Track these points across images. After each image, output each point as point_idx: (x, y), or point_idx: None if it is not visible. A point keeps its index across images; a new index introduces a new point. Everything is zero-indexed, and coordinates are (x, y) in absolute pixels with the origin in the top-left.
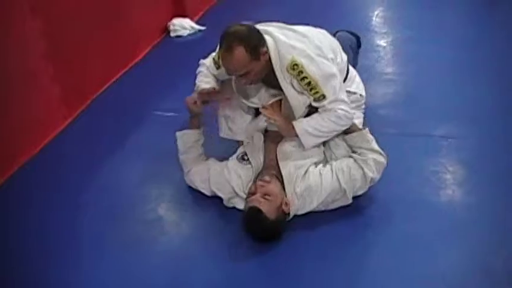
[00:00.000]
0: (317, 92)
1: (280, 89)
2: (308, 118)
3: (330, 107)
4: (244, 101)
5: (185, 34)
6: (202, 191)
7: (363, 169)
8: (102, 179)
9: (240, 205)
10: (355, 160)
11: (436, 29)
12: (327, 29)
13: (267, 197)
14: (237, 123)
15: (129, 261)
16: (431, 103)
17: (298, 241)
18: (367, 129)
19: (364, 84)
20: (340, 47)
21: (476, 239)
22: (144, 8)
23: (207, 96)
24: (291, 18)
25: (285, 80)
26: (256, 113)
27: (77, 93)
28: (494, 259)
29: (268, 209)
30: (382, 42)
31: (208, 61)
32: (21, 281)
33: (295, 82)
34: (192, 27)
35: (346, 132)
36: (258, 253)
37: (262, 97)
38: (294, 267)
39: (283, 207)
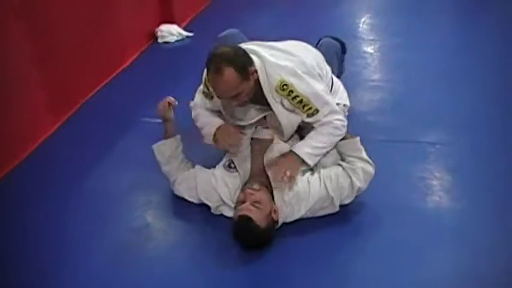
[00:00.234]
0: (310, 108)
1: (268, 105)
2: (306, 139)
3: (326, 120)
4: (232, 121)
5: (173, 40)
6: (190, 199)
7: (350, 178)
8: (90, 185)
9: (228, 212)
10: (343, 168)
11: (423, 36)
12: (314, 36)
13: (256, 205)
14: None
15: (116, 269)
16: (419, 110)
17: (287, 248)
18: (358, 138)
19: (351, 91)
20: (323, 60)
21: (463, 245)
22: (132, 14)
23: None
24: (278, 25)
25: (274, 99)
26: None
27: (64, 98)
28: (481, 264)
29: (258, 217)
30: (369, 49)
31: (197, 99)
32: None
33: (285, 102)
34: (180, 34)
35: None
36: (246, 260)
37: (249, 115)
38: (282, 275)
39: (273, 214)
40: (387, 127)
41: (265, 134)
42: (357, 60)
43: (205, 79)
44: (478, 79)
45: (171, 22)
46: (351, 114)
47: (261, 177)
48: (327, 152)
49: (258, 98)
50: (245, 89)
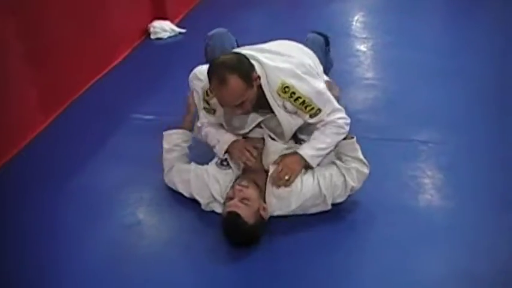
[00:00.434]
0: (312, 108)
1: (270, 110)
2: (311, 141)
3: (329, 119)
4: (231, 131)
5: (165, 36)
6: (180, 191)
7: (344, 177)
8: (82, 181)
9: (219, 209)
10: (338, 167)
11: (416, 34)
12: (306, 34)
13: (245, 201)
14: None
15: (108, 265)
16: (411, 108)
17: (278, 246)
18: (355, 138)
19: (344, 89)
20: (317, 58)
21: (454, 243)
22: (124, 10)
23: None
24: (271, 22)
25: (276, 103)
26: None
27: (55, 95)
28: (473, 263)
29: (246, 213)
30: (362, 47)
31: (201, 117)
32: None
33: (288, 104)
34: (173, 30)
35: None
36: (238, 257)
37: (247, 123)
38: (274, 272)
39: (261, 212)
40: (380, 125)
41: (256, 133)
42: (349, 58)
43: (203, 94)
44: (471, 77)
45: (164, 18)
46: None
47: (252, 174)
48: (329, 152)
49: (260, 103)
50: (249, 96)
